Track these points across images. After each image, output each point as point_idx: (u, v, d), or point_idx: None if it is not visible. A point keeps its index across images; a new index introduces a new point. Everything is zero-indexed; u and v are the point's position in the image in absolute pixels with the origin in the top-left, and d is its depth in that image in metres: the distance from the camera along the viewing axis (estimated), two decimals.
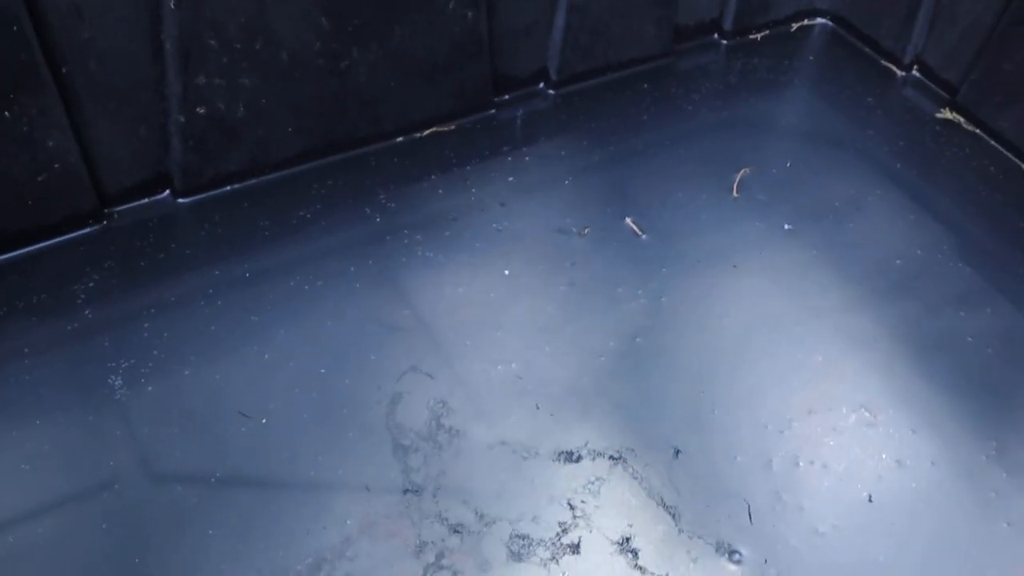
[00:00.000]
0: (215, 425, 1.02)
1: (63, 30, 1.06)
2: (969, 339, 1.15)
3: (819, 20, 1.60)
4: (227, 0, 1.11)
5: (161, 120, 1.17)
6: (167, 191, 1.23)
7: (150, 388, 1.05)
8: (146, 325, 1.10)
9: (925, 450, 1.03)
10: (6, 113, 1.05)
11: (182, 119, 1.16)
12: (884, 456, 1.03)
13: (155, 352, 1.08)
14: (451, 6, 1.25)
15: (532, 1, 1.34)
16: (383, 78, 1.27)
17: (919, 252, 1.25)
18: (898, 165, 1.36)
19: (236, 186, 1.25)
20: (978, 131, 1.41)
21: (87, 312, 1.11)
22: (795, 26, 1.59)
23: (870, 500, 0.99)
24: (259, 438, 1.01)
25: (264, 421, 1.02)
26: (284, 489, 0.97)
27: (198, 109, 1.16)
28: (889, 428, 1.05)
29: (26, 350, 1.08)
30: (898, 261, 1.23)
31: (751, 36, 1.56)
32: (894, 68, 1.52)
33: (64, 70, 1.08)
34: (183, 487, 0.98)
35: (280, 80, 1.19)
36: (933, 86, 1.48)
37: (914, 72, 1.51)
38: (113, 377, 1.06)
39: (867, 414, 1.06)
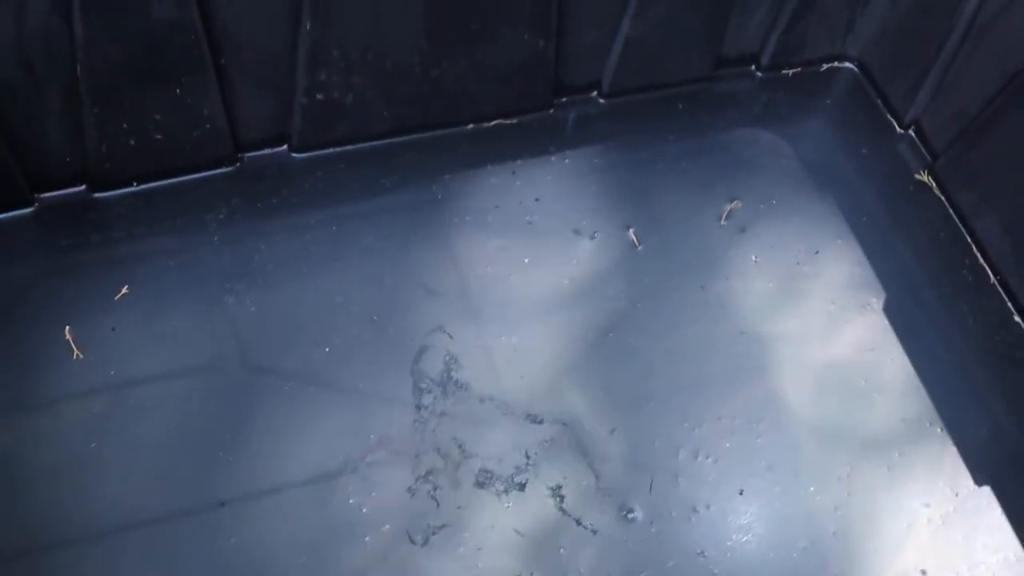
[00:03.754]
0: (293, 344, 1.43)
1: (226, 34, 1.42)
2: (863, 382, 1.50)
3: (847, 64, 1.85)
4: (350, 24, 1.45)
5: (289, 100, 1.53)
6: (285, 146, 1.61)
7: (251, 306, 1.46)
8: (256, 257, 1.51)
9: (792, 460, 1.41)
10: (177, 90, 1.43)
11: (304, 101, 1.53)
12: (762, 462, 1.41)
13: (259, 277, 1.49)
14: (526, 37, 1.57)
15: (595, 32, 1.64)
16: (464, 83, 1.60)
17: (852, 299, 1.58)
18: (865, 219, 1.66)
19: (337, 149, 1.62)
20: (943, 199, 1.69)
21: (215, 237, 1.52)
22: (825, 67, 1.85)
23: (741, 493, 1.38)
24: (322, 361, 1.42)
25: (327, 350, 1.43)
26: (333, 403, 1.39)
27: (317, 96, 1.52)
28: (771, 439, 1.43)
29: (167, 257, 1.50)
30: (832, 305, 1.57)
31: (783, 72, 1.84)
32: (895, 124, 1.79)
33: (223, 61, 1.44)
34: (266, 379, 1.41)
35: (383, 81, 1.54)
36: (922, 149, 1.76)
37: (910, 132, 1.78)
38: (228, 291, 1.47)
39: (758, 426, 1.43)
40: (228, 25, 1.40)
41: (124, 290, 1.45)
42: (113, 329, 1.42)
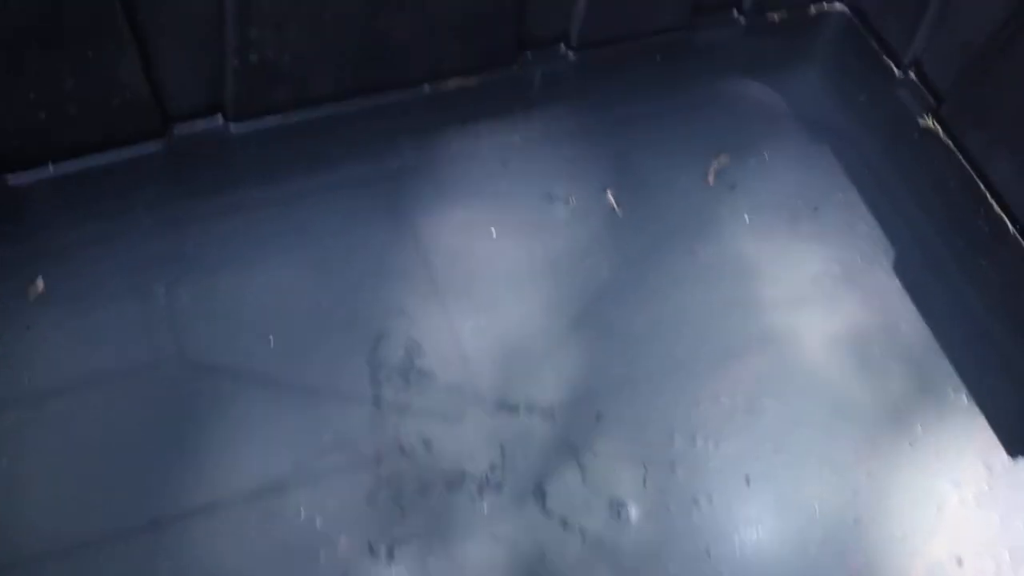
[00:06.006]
0: (234, 338, 1.27)
1: None
2: (877, 350, 1.35)
3: (837, 6, 1.69)
4: None
5: (219, 62, 1.36)
6: (220, 116, 1.44)
7: (185, 296, 1.29)
8: (190, 242, 1.34)
9: (802, 441, 1.25)
10: (88, 52, 1.26)
11: (236, 63, 1.35)
12: (768, 444, 1.25)
13: (194, 264, 1.32)
14: None
15: None
16: (416, 37, 1.43)
17: (859, 259, 1.43)
18: (866, 171, 1.51)
19: (278, 118, 1.45)
20: (951, 144, 1.53)
21: (143, 221, 1.35)
22: (814, 9, 1.69)
23: (746, 481, 1.23)
24: (266, 356, 1.26)
25: (272, 342, 1.27)
26: (280, 402, 1.23)
27: (250, 56, 1.35)
28: (777, 418, 1.27)
29: (88, 245, 1.33)
30: (836, 266, 1.41)
31: (769, 16, 1.67)
32: (894, 67, 1.62)
33: (139, 17, 1.27)
34: (203, 378, 1.24)
35: (321, 35, 1.37)
36: (925, 92, 1.59)
37: (911, 74, 1.62)
38: (158, 280, 1.30)
39: (762, 404, 1.28)
40: None
41: (40, 284, 1.28)
42: (28, 328, 1.25)
